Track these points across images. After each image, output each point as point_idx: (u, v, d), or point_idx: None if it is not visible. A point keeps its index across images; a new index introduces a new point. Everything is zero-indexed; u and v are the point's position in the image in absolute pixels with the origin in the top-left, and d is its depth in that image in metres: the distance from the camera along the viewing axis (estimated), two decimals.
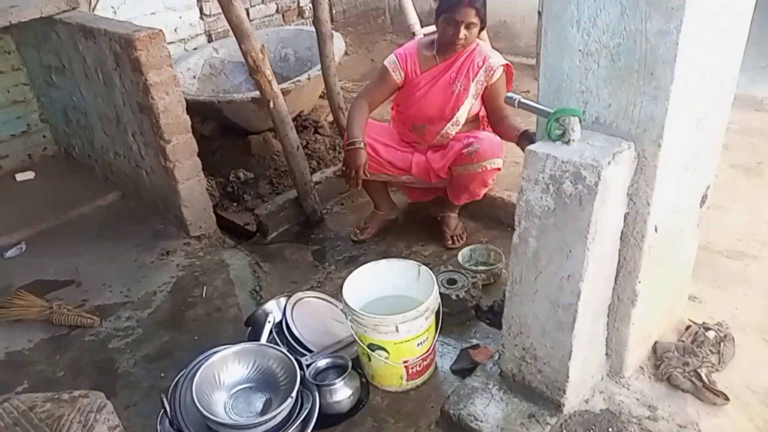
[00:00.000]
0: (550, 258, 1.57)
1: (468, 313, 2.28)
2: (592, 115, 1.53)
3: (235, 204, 3.40)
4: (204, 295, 2.60)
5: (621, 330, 1.77)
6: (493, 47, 4.29)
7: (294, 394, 1.68)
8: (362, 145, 2.49)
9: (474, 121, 2.69)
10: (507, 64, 2.60)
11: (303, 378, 1.83)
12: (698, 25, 1.33)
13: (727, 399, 1.82)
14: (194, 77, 4.03)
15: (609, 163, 1.40)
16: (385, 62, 2.64)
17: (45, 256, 2.95)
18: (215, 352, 1.82)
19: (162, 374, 2.18)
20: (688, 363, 1.90)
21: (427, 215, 3.02)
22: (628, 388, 1.85)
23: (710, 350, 1.98)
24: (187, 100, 2.75)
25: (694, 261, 2.01)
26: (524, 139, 2.36)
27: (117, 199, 3.36)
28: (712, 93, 1.56)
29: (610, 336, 1.81)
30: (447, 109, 2.59)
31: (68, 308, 2.51)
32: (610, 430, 1.74)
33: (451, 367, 2.10)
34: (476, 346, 2.13)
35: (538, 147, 1.49)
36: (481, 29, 2.51)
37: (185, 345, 2.32)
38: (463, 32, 2.42)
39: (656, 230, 1.61)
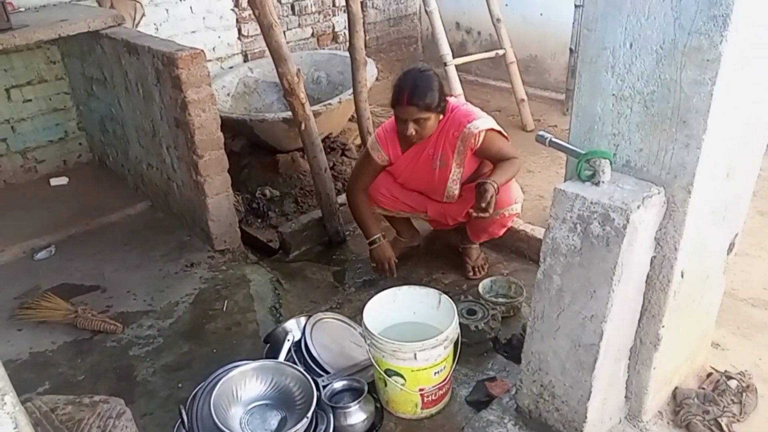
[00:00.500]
0: (573, 296, 1.58)
1: (486, 344, 2.28)
2: (623, 158, 1.55)
3: (259, 220, 3.45)
4: (224, 309, 2.63)
5: (642, 373, 1.76)
6: (522, 81, 4.32)
7: (310, 414, 1.70)
8: (382, 239, 2.71)
9: (477, 171, 2.61)
10: (489, 129, 2.45)
11: (319, 399, 1.85)
12: (732, 77, 1.35)
13: None
14: (228, 95, 4.14)
15: (638, 207, 1.42)
16: (368, 145, 2.64)
17: (73, 260, 3.02)
18: (235, 367, 1.85)
19: (180, 384, 2.21)
20: (708, 411, 1.88)
21: (449, 243, 3.03)
22: None
23: (731, 400, 1.96)
24: (220, 117, 2.83)
25: (718, 307, 2.00)
26: (478, 188, 2.30)
27: (146, 209, 3.44)
28: (745, 141, 1.57)
29: (631, 379, 1.79)
30: (435, 184, 2.58)
31: (92, 313, 2.56)
32: None
33: (466, 398, 2.09)
34: (493, 379, 2.12)
35: (568, 186, 1.50)
36: (441, 112, 2.41)
37: (204, 357, 2.35)
38: (411, 128, 2.35)
39: (682, 275, 1.61)
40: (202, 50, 2.61)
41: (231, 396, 1.80)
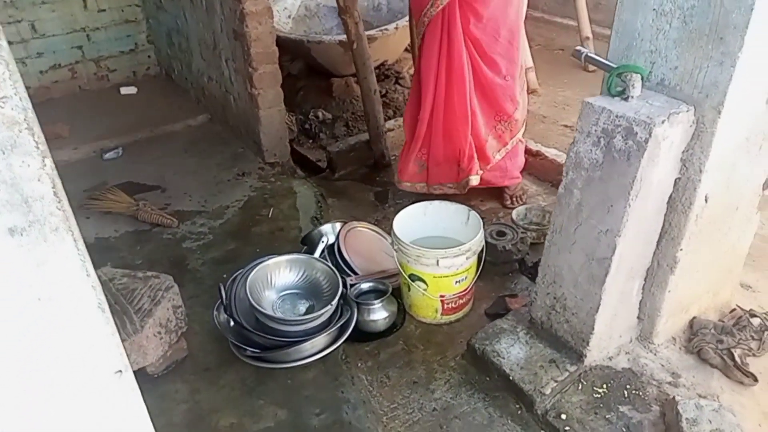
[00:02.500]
0: (591, 211, 1.62)
1: (512, 265, 2.36)
2: (658, 77, 1.55)
3: (310, 141, 3.58)
4: (270, 216, 2.81)
5: (656, 295, 1.80)
6: (590, 19, 4.17)
7: (334, 302, 1.84)
8: None
9: None
10: None
11: (345, 293, 1.99)
12: None
13: (755, 380, 1.82)
14: (289, 17, 4.21)
15: (663, 122, 1.43)
16: None
17: (137, 162, 3.26)
18: (270, 257, 2.01)
19: (224, 275, 2.40)
20: (722, 341, 1.91)
21: None
22: (655, 354, 1.89)
23: (751, 336, 1.97)
24: (279, 37, 2.92)
25: (748, 246, 1.99)
26: None
27: (205, 122, 3.62)
28: None
29: (645, 300, 1.84)
30: None
31: (152, 208, 2.79)
32: (628, 387, 1.79)
33: (486, 310, 2.19)
34: (514, 295, 2.21)
35: (595, 100, 1.53)
36: None
37: (248, 254, 2.54)
38: None
39: (706, 200, 1.62)
40: None
41: (266, 281, 1.97)
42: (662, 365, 1.86)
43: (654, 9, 1.49)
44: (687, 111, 1.48)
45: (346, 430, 1.78)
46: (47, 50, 3.76)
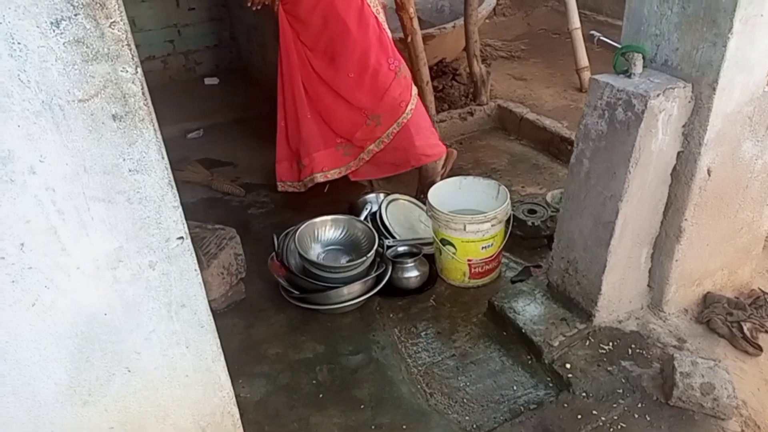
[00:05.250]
0: (598, 178, 1.80)
1: (540, 240, 2.54)
2: (662, 57, 1.72)
3: None
4: (326, 191, 3.11)
5: (665, 264, 1.94)
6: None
7: (370, 254, 2.11)
8: None
9: None
10: None
11: (382, 251, 2.25)
12: None
13: (760, 351, 1.92)
14: None
15: (657, 96, 1.60)
16: None
17: (215, 142, 3.68)
18: (317, 216, 2.31)
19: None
20: (732, 314, 2.01)
21: (535, 164, 3.27)
22: (664, 321, 2.03)
23: (766, 314, 2.06)
24: None
25: (767, 229, 2.07)
26: None
27: (274, 110, 3.99)
28: None
29: (654, 269, 1.98)
30: None
31: (224, 180, 3.17)
32: (633, 346, 1.94)
33: (511, 278, 2.39)
34: (538, 266, 2.39)
35: (601, 77, 1.72)
36: None
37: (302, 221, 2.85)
38: None
39: (709, 173, 1.77)
40: None
41: (313, 235, 2.27)
42: (670, 331, 2.00)
43: None
44: (684, 87, 1.64)
45: (373, 365, 2.04)
46: (144, 43, 4.26)
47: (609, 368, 1.88)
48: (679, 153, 1.76)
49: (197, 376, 1.18)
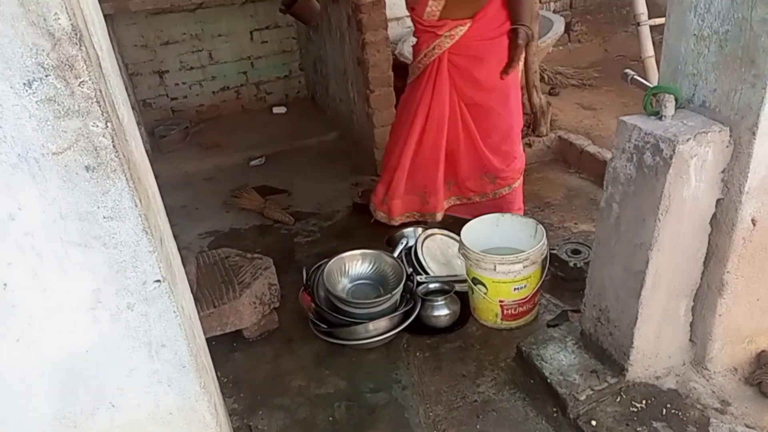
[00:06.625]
0: (628, 225, 1.70)
1: (583, 282, 2.38)
2: (700, 98, 1.60)
3: None
4: (372, 222, 3.13)
5: (707, 318, 1.79)
6: None
7: (397, 291, 2.09)
8: None
9: None
10: None
11: (411, 287, 2.23)
12: None
13: None
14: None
15: (688, 140, 1.49)
16: None
17: (274, 170, 3.81)
18: (348, 251, 2.33)
19: None
20: None
21: (593, 199, 3.12)
22: (708, 380, 1.85)
23: None
24: (403, 62, 3.28)
25: None
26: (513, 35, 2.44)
27: (335, 138, 4.10)
28: None
29: (696, 323, 1.83)
30: None
31: (277, 208, 3.28)
32: (669, 405, 1.79)
33: (548, 322, 2.28)
34: (577, 310, 2.26)
35: (629, 118, 1.62)
36: None
37: (347, 251, 2.88)
38: None
39: (753, 223, 1.61)
40: None
41: (341, 270, 2.29)
42: (713, 391, 1.82)
43: (694, 34, 1.56)
44: (720, 131, 1.51)
45: (391, 405, 2.01)
46: (219, 74, 4.52)
47: (638, 429, 1.74)
48: (718, 200, 1.62)
49: (181, 414, 1.22)
